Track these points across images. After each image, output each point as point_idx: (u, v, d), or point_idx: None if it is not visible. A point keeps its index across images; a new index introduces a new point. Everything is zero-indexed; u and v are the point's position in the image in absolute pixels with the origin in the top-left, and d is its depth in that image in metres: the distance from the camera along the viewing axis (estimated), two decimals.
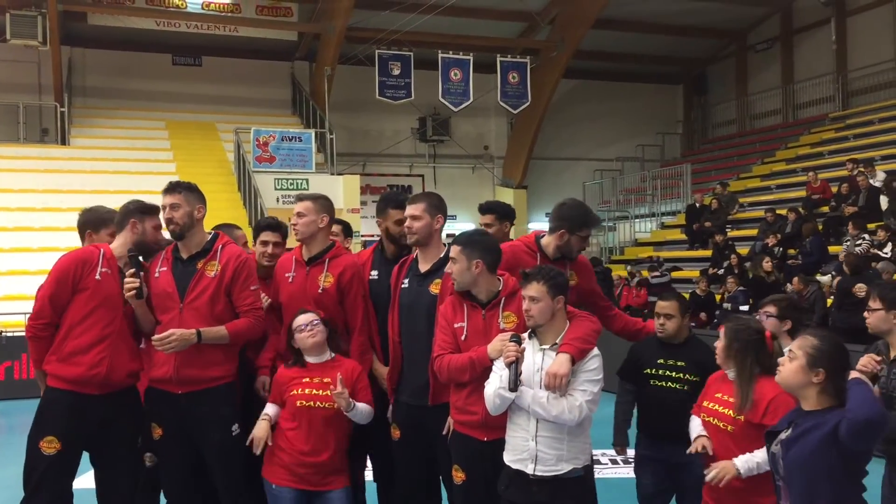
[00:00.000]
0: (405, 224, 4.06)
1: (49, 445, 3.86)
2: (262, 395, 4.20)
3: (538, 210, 21.58)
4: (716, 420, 3.44)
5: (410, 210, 4.05)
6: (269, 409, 4.00)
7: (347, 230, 4.93)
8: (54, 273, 3.98)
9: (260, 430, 3.93)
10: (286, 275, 4.28)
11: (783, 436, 2.92)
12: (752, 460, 3.25)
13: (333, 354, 4.04)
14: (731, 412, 3.37)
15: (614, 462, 7.17)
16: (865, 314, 3.83)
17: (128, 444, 4.03)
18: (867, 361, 3.67)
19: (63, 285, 3.93)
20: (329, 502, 3.95)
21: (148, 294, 3.99)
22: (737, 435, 3.34)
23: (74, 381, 3.88)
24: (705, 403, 3.53)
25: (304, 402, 3.90)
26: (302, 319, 3.97)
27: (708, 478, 3.29)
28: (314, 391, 3.91)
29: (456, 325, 3.71)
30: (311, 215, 4.26)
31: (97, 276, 3.93)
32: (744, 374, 3.38)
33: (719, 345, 3.49)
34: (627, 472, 6.99)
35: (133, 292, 3.87)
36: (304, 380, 3.93)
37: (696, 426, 3.57)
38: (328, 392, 3.87)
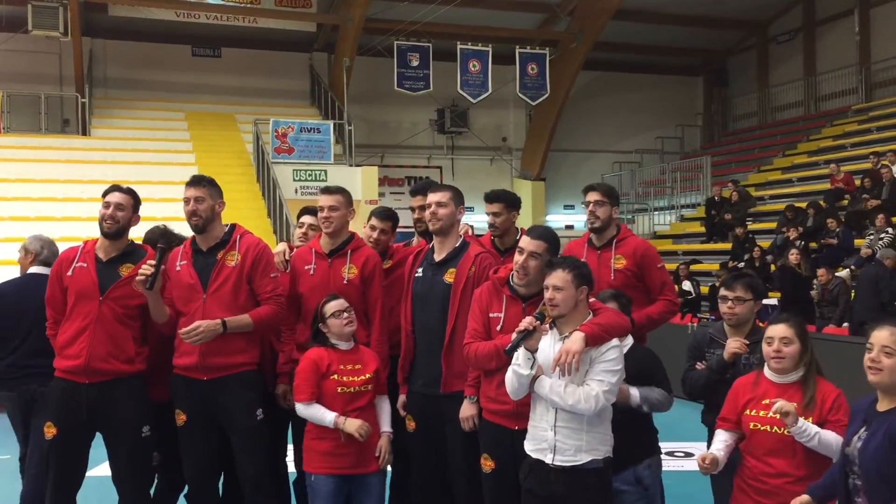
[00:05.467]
0: (430, 210, 4.06)
1: (48, 430, 4.03)
2: (283, 404, 4.21)
3: (556, 202, 21.51)
4: (776, 428, 3.33)
5: (437, 197, 4.06)
6: (323, 411, 3.91)
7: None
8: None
9: (354, 424, 3.87)
10: (306, 267, 4.29)
11: (859, 435, 2.90)
12: (811, 430, 3.19)
13: (355, 341, 4.09)
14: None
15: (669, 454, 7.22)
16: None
17: (129, 433, 4.05)
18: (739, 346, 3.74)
19: (53, 285, 4.14)
20: (369, 486, 3.99)
21: (162, 288, 4.01)
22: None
23: (66, 371, 4.02)
24: (750, 412, 3.42)
25: (346, 388, 3.94)
26: (337, 305, 4.00)
27: (774, 408, 3.23)
28: (352, 377, 3.96)
29: (492, 315, 3.70)
30: (343, 208, 4.33)
31: (69, 273, 4.07)
32: (812, 374, 3.35)
33: (790, 349, 3.35)
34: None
35: (142, 278, 3.88)
36: (340, 366, 3.96)
37: (720, 440, 3.51)
38: (364, 376, 3.98)
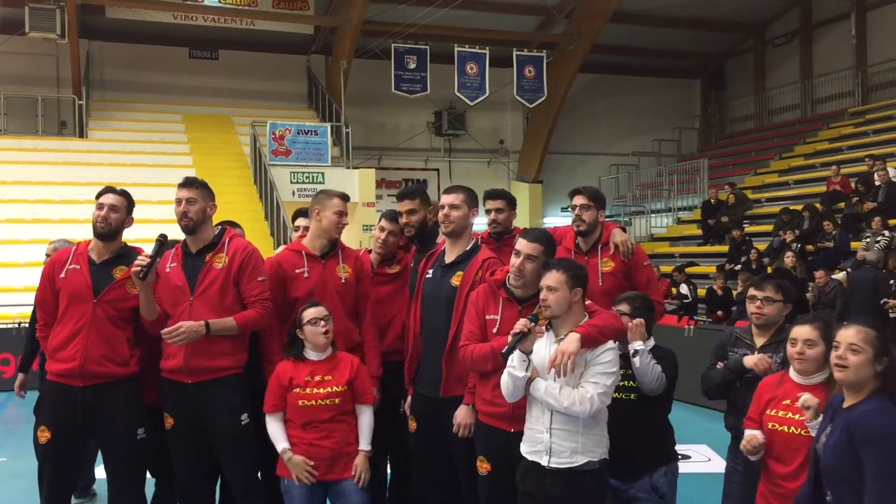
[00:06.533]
0: (443, 213, 4.06)
1: (42, 434, 4.02)
2: None
3: (554, 205, 21.51)
4: (795, 429, 3.31)
5: (450, 199, 4.06)
6: (280, 436, 3.92)
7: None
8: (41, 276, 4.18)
9: (297, 464, 3.86)
10: (297, 270, 4.24)
11: (826, 431, 2.93)
12: None
13: (333, 350, 4.04)
14: None
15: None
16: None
17: (124, 436, 4.04)
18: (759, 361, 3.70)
19: (44, 287, 4.13)
20: (343, 493, 3.94)
21: (153, 282, 4.00)
22: None
23: (59, 374, 4.00)
24: (770, 412, 3.40)
25: (306, 402, 3.90)
26: (315, 312, 3.96)
27: (800, 401, 3.22)
28: (315, 389, 3.91)
29: (488, 317, 3.71)
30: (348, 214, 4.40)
31: (62, 275, 4.06)
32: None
33: (814, 351, 3.31)
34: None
35: (137, 269, 3.88)
36: (305, 378, 3.92)
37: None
38: (331, 389, 3.91)
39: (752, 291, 3.87)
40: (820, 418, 3.16)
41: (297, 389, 3.91)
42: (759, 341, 3.83)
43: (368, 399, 4.04)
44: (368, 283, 4.38)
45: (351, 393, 3.97)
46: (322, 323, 3.93)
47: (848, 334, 2.93)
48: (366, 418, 4.01)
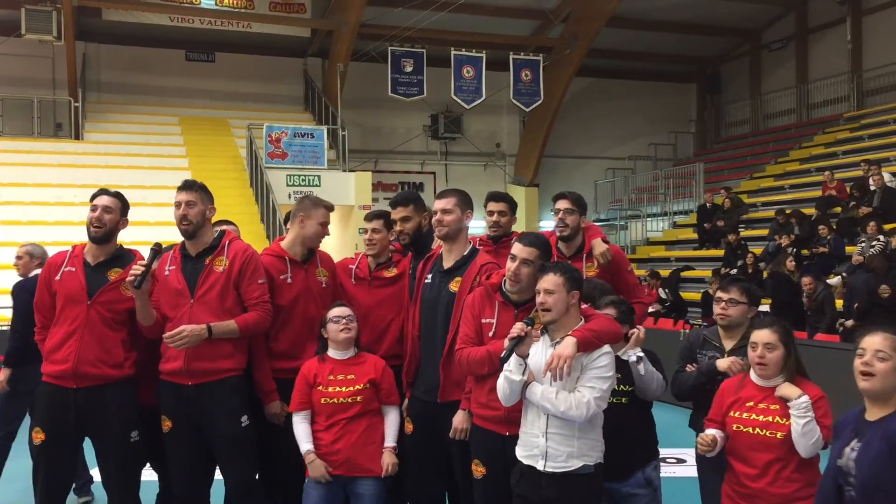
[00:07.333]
0: (436, 217, 4.08)
1: (36, 435, 4.03)
2: (277, 422, 4.19)
3: (550, 209, 21.51)
4: (759, 430, 3.34)
5: (442, 203, 4.07)
6: (304, 437, 3.98)
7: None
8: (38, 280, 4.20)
9: (317, 467, 3.92)
10: (282, 277, 4.26)
11: (851, 447, 2.85)
12: (810, 409, 3.20)
13: (357, 351, 4.11)
14: (779, 419, 3.29)
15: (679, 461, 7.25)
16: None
17: (117, 438, 4.04)
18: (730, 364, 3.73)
19: (41, 291, 4.14)
20: (361, 493, 3.99)
21: (150, 290, 4.01)
22: (789, 440, 3.27)
23: (53, 375, 4.00)
24: (734, 414, 3.43)
25: (328, 400, 3.97)
26: (338, 311, 4.06)
27: (778, 392, 3.29)
28: (338, 388, 3.97)
29: (484, 321, 3.71)
30: None
31: (57, 277, 4.07)
32: (793, 378, 3.35)
33: (774, 355, 3.34)
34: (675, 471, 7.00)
35: (132, 278, 3.87)
36: (328, 376, 3.99)
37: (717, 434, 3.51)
38: (353, 388, 3.98)
39: (717, 293, 3.97)
40: (806, 398, 3.22)
41: (320, 387, 3.98)
42: (728, 344, 3.89)
43: (395, 399, 4.12)
44: (337, 279, 4.48)
45: (375, 392, 4.04)
46: (343, 321, 4.01)
47: (874, 341, 2.82)
48: (393, 417, 4.10)
